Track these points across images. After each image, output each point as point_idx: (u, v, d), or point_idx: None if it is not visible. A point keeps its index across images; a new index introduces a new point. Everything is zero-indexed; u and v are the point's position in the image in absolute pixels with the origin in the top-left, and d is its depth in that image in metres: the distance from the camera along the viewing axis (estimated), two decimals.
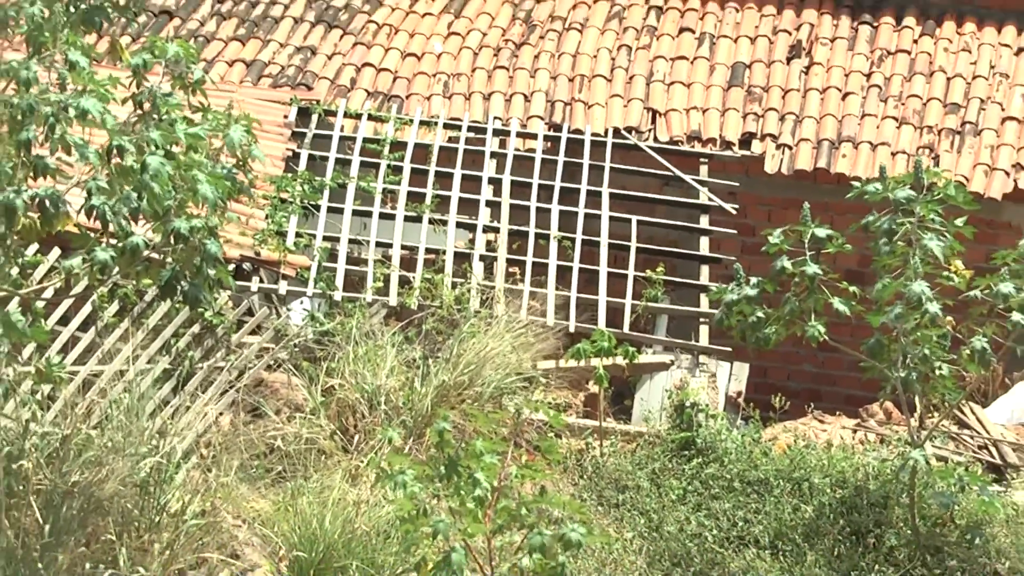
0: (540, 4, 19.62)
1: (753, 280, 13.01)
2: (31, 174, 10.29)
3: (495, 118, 17.98)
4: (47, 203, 10.26)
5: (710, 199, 17.21)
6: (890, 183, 12.70)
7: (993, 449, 14.62)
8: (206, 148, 10.80)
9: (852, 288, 12.78)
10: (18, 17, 10.69)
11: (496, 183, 16.94)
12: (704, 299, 15.82)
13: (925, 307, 12.24)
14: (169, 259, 10.64)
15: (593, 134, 17.75)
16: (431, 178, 16.77)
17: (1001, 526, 13.10)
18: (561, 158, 17.29)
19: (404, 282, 15.62)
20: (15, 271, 11.03)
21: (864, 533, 12.77)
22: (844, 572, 12.44)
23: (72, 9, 10.89)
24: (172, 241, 10.48)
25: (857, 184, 13.07)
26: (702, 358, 15.61)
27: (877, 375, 12.75)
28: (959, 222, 12.53)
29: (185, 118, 10.75)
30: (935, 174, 12.97)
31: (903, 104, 18.42)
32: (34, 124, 10.17)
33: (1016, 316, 12.40)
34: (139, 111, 10.72)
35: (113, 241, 10.55)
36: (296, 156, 16.90)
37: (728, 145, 18.10)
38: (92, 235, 10.74)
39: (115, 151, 10.25)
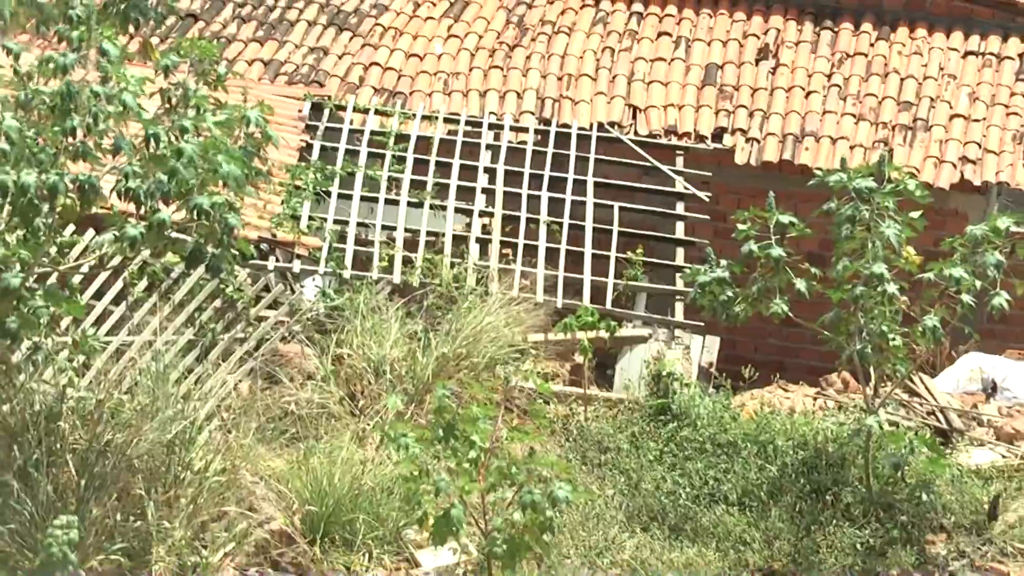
0: (531, 9, 19.61)
1: (724, 262, 13.08)
2: (72, 159, 10.33)
3: (490, 113, 18.00)
4: (86, 186, 10.31)
5: (685, 188, 17.26)
6: (852, 174, 12.74)
7: (940, 415, 14.65)
8: (229, 133, 10.85)
9: (813, 269, 12.84)
10: (59, 17, 10.72)
11: (491, 172, 16.96)
12: (679, 279, 15.84)
13: (884, 287, 12.30)
14: (193, 234, 10.69)
15: (579, 128, 17.78)
16: (432, 168, 16.80)
17: (947, 485, 13.12)
18: (550, 150, 17.32)
19: (407, 262, 15.64)
20: (53, 250, 11.07)
21: (823, 491, 12.80)
22: (805, 526, 12.46)
23: (110, 10, 10.91)
24: (196, 216, 10.52)
25: (819, 174, 13.11)
26: (677, 332, 15.65)
27: (836, 347, 12.81)
28: (914, 215, 12.59)
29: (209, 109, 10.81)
30: (895, 167, 13.03)
31: (860, 102, 18.45)
32: (76, 113, 10.22)
33: (966, 298, 12.45)
34: (167, 104, 10.76)
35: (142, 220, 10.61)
36: (309, 147, 16.93)
37: (702, 139, 18.13)
38: (122, 215, 10.79)
39: (152, 140, 10.32)
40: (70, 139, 10.27)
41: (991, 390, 15.62)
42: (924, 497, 12.70)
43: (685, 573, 11.82)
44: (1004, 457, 14.05)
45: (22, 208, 10.13)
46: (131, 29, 11.04)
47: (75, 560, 4.52)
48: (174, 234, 10.67)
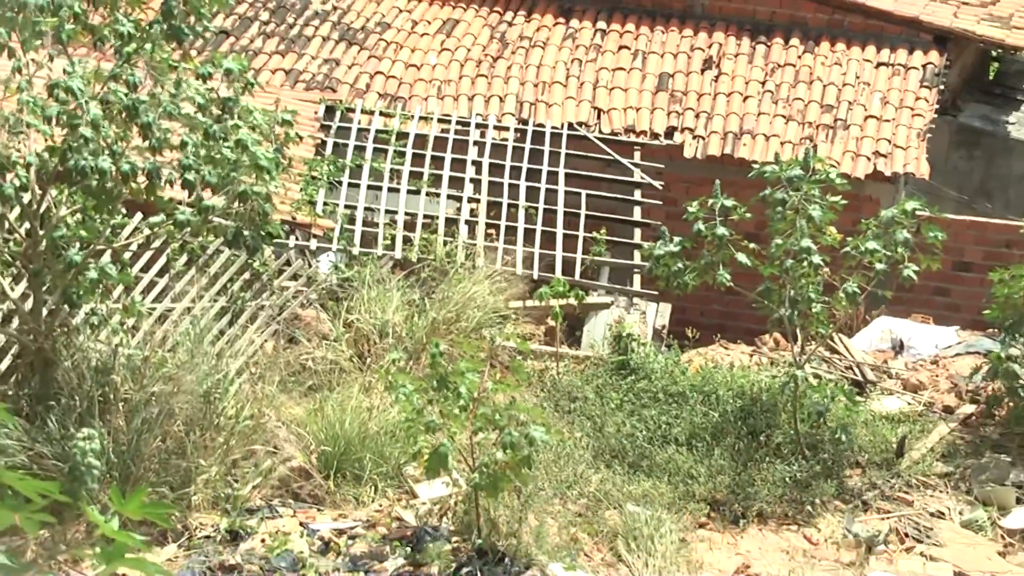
0: (511, 27, 19.59)
1: (675, 239, 13.10)
2: (148, 152, 10.39)
3: (477, 115, 17.97)
4: (153, 173, 10.36)
5: (642, 178, 17.28)
6: (784, 166, 12.79)
7: (856, 369, 14.69)
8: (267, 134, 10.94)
9: (751, 246, 12.86)
10: (111, 35, 10.70)
11: (477, 165, 16.96)
12: (637, 254, 15.87)
13: (811, 258, 12.35)
14: (233, 219, 10.73)
15: (552, 127, 17.77)
16: (427, 161, 16.81)
17: (862, 428, 13.15)
18: (528, 146, 17.31)
19: (406, 240, 15.67)
20: (108, 231, 11.08)
21: (758, 433, 12.82)
22: (742, 463, 12.49)
23: (154, 29, 10.90)
24: (239, 202, 10.59)
25: (756, 166, 13.16)
26: (635, 300, 15.69)
27: (769, 312, 12.84)
28: (835, 199, 12.63)
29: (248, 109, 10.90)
30: (819, 160, 13.07)
31: (790, 105, 18.46)
32: (150, 112, 10.28)
33: (879, 266, 12.50)
34: (215, 110, 10.80)
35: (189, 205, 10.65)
36: (323, 143, 16.95)
37: (656, 136, 18.13)
38: (172, 201, 10.82)
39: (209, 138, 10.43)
40: (144, 134, 10.34)
41: (899, 348, 15.67)
42: (843, 438, 12.73)
43: (642, 502, 11.83)
44: (909, 404, 14.09)
45: (97, 190, 10.15)
46: (180, 42, 11.05)
47: (98, 465, 4.49)
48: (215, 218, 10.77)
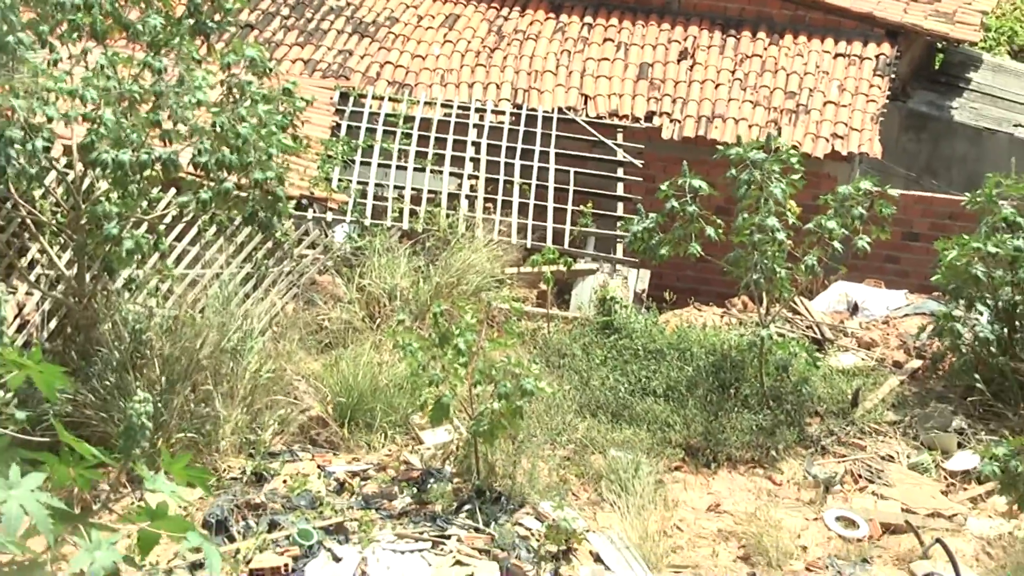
0: (507, 21, 19.53)
1: (652, 215, 13.09)
2: (161, 141, 10.36)
3: (476, 100, 17.92)
4: (167, 162, 10.31)
5: (624, 157, 17.24)
6: (747, 147, 12.75)
7: (816, 329, 14.68)
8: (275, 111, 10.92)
9: (719, 220, 12.83)
10: (143, 29, 10.64)
11: (477, 145, 16.92)
12: (619, 226, 15.82)
13: (775, 235, 12.32)
14: (250, 200, 10.72)
15: (544, 112, 17.72)
16: (432, 141, 16.75)
17: (820, 381, 13.15)
18: (522, 128, 17.27)
19: (413, 213, 15.61)
20: (144, 203, 11.04)
21: (727, 386, 12.81)
22: (714, 412, 12.47)
23: (183, 24, 10.86)
24: (253, 186, 10.58)
25: (722, 147, 13.13)
26: (618, 266, 15.67)
27: (737, 278, 12.81)
28: (795, 177, 12.61)
29: (263, 96, 10.84)
30: (779, 142, 13.04)
31: (757, 92, 18.41)
32: (162, 106, 10.26)
33: (836, 245, 12.51)
34: (230, 95, 10.74)
35: (212, 185, 10.61)
36: (338, 126, 16.90)
37: (637, 120, 18.10)
38: (198, 180, 10.78)
39: (218, 126, 10.37)
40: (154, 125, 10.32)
41: (854, 310, 15.67)
42: (803, 390, 12.77)
43: (624, 447, 11.82)
44: (863, 360, 14.09)
45: (118, 179, 10.14)
46: (206, 37, 11.01)
47: (150, 426, 4.50)
48: (239, 193, 10.75)
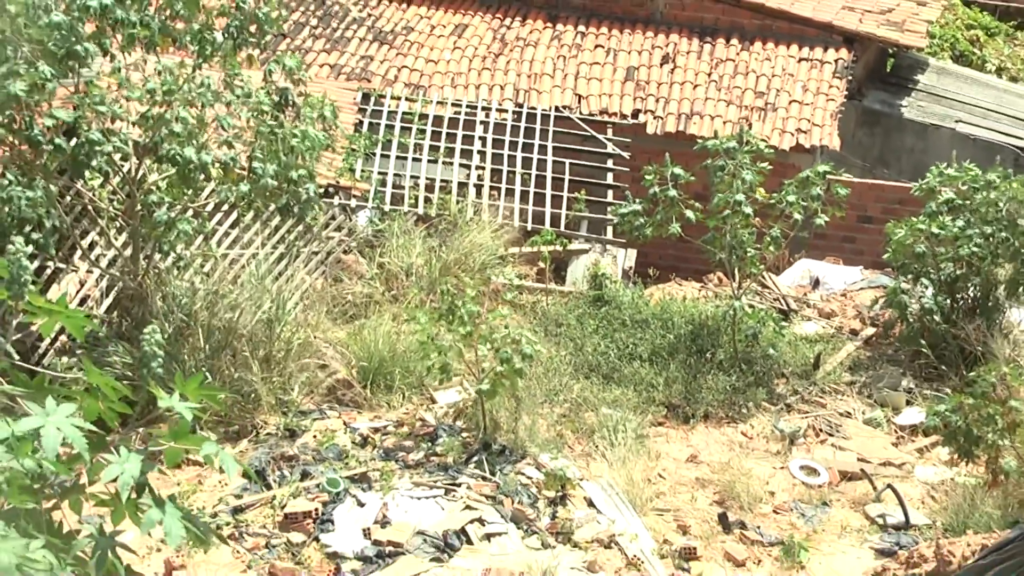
0: (509, 30, 19.45)
1: (637, 200, 13.05)
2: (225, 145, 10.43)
3: (482, 100, 17.85)
4: (229, 163, 10.36)
5: (613, 150, 17.17)
6: (721, 140, 12.73)
7: (782, 300, 14.65)
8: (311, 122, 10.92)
9: (697, 204, 12.80)
10: (193, 41, 10.62)
11: (483, 139, 16.84)
12: (609, 211, 15.76)
13: (743, 209, 12.30)
14: (286, 193, 10.75)
15: (542, 110, 17.64)
16: (444, 136, 16.67)
17: (786, 346, 13.14)
18: (523, 124, 17.18)
19: (427, 199, 15.55)
20: (191, 193, 11.03)
21: (704, 351, 12.79)
22: (692, 375, 12.46)
23: (229, 36, 10.82)
24: (288, 184, 10.61)
25: (700, 141, 13.09)
26: (608, 246, 15.60)
27: (713, 256, 12.78)
28: (763, 165, 12.59)
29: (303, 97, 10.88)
30: (751, 135, 12.99)
31: (730, 92, 18.33)
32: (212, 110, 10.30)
33: (796, 216, 12.48)
34: (283, 108, 10.79)
35: (252, 178, 10.63)
36: (361, 123, 16.83)
37: (624, 116, 18.03)
38: (238, 175, 10.79)
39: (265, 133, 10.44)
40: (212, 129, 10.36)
41: (815, 284, 15.64)
42: (771, 354, 12.75)
43: (613, 405, 11.80)
44: (824, 328, 14.07)
45: (184, 174, 10.15)
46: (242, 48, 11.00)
47: (161, 353, 4.46)
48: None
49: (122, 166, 10.80)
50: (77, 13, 9.71)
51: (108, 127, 10.03)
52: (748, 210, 12.32)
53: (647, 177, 12.80)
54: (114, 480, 3.98)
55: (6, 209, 9.69)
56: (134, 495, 4.05)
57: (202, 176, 10.34)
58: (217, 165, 10.34)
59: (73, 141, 9.92)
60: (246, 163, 10.61)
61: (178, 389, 4.21)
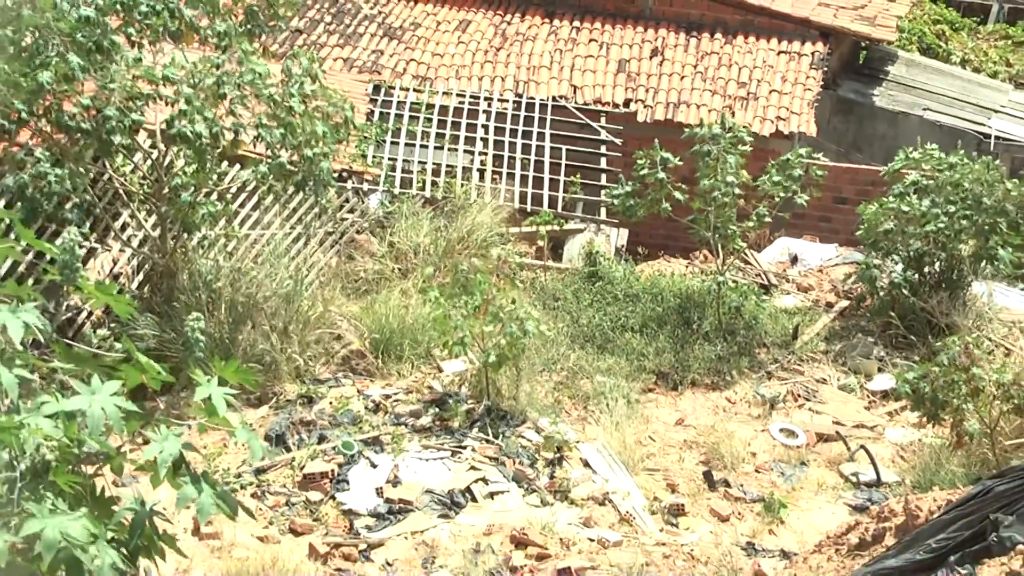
0: (510, 25, 19.32)
1: (629, 183, 13.01)
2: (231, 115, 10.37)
3: (485, 90, 17.74)
4: (236, 133, 10.30)
5: (606, 137, 17.07)
6: (708, 127, 12.69)
7: (763, 276, 14.61)
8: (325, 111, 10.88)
9: (685, 187, 12.76)
10: (212, 32, 10.56)
11: (485, 127, 16.73)
12: (603, 193, 15.71)
13: (732, 190, 12.31)
14: (299, 171, 10.70)
15: (540, 100, 17.53)
16: (449, 124, 16.57)
17: (767, 318, 13.12)
18: (522, 113, 17.06)
19: (433, 183, 15.48)
20: (215, 177, 10.99)
21: (691, 323, 12.77)
22: (680, 345, 12.43)
23: (243, 28, 10.78)
24: (303, 161, 10.54)
25: (687, 129, 13.05)
26: (602, 226, 15.54)
27: (698, 235, 12.74)
28: (744, 148, 12.56)
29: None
30: (733, 123, 12.96)
31: (714, 83, 18.21)
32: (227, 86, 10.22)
33: (778, 195, 12.47)
34: (288, 86, 10.71)
35: (270, 159, 10.56)
36: (372, 112, 16.72)
37: (616, 106, 17.90)
38: (258, 157, 10.72)
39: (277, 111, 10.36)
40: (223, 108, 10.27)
41: (794, 260, 15.59)
42: (753, 325, 12.72)
43: (607, 374, 11.79)
44: (802, 301, 14.03)
45: (196, 149, 10.11)
46: (259, 38, 10.92)
47: (203, 339, 4.54)
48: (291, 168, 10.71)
49: (149, 152, 10.77)
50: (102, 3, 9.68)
51: (127, 104, 9.96)
52: (738, 191, 12.31)
53: (639, 162, 12.77)
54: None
55: (39, 184, 9.71)
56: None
57: (217, 151, 10.30)
58: (227, 139, 10.28)
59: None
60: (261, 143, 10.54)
61: (216, 372, 4.24)
